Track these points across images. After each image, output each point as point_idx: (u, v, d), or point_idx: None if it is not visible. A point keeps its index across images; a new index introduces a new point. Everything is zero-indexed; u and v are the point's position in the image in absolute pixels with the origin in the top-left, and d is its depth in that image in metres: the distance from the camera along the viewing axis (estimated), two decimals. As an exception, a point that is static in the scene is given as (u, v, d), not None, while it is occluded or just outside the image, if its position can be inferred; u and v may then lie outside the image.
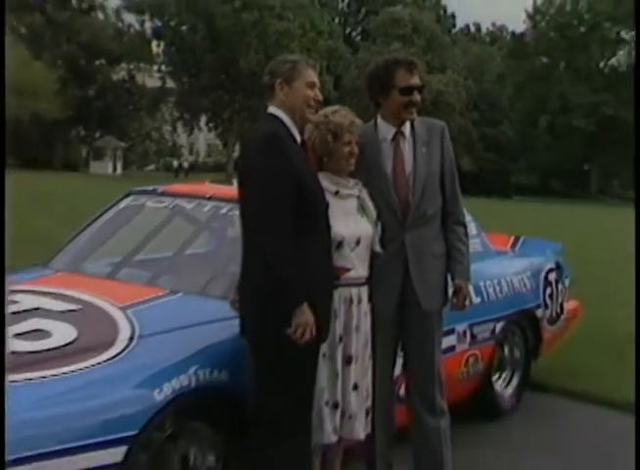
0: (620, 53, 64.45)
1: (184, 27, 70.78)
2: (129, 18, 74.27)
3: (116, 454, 3.64)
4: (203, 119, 74.27)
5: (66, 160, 68.70)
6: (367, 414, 4.45)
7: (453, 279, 4.67)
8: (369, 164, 4.51)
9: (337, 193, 4.31)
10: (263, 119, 4.22)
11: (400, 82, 4.51)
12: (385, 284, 4.51)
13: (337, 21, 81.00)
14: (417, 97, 4.55)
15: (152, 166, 74.98)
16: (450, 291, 4.70)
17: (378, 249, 4.44)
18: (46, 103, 58.77)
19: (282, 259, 3.82)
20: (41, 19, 68.40)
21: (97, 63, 72.11)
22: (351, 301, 4.30)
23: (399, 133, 4.60)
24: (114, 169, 68.39)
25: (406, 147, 4.60)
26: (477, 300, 5.49)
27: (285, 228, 3.83)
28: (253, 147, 4.04)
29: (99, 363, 3.90)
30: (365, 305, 4.39)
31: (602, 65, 63.96)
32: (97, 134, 74.20)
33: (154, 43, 74.14)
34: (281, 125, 4.06)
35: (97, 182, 34.61)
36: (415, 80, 4.55)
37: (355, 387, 4.35)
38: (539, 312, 6.57)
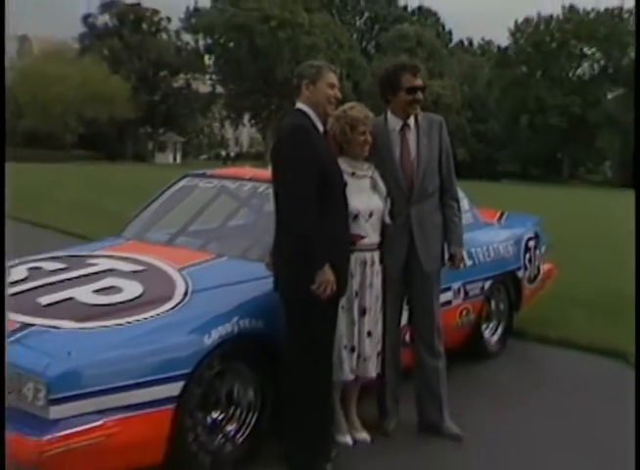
0: (585, 65, 65.48)
1: (230, 44, 71.03)
2: (187, 37, 75.11)
3: (175, 389, 3.68)
4: (246, 117, 74.55)
5: (136, 152, 69.24)
6: (378, 357, 4.45)
7: (449, 246, 4.68)
8: (381, 150, 4.50)
9: (353, 174, 4.31)
10: (292, 114, 4.17)
11: (406, 83, 4.51)
12: (393, 249, 4.51)
13: (355, 36, 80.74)
14: (420, 96, 4.54)
15: (204, 156, 75.24)
16: (446, 256, 4.70)
17: (387, 220, 4.45)
18: (121, 107, 59.78)
19: (308, 229, 3.81)
20: (119, 42, 69.64)
21: (161, 74, 72.85)
22: (365, 263, 4.31)
23: (405, 125, 4.60)
24: (175, 159, 68.85)
25: (411, 137, 4.60)
26: (469, 263, 5.46)
27: (311, 204, 3.83)
28: (285, 137, 4.03)
29: (160, 314, 3.92)
30: (377, 267, 4.39)
31: (570, 74, 64.68)
32: (161, 131, 74.76)
33: (206, 57, 74.70)
34: (307, 119, 4.05)
35: (160, 170, 34.57)
36: (418, 82, 4.53)
37: (369, 334, 4.36)
38: (520, 273, 6.54)
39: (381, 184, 4.46)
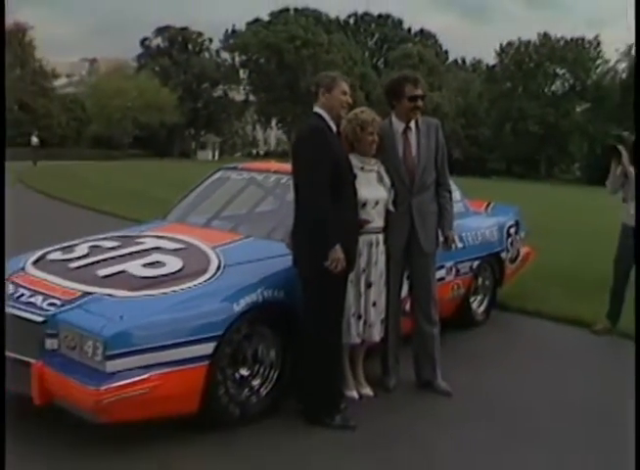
0: (557, 83, 66.10)
1: (262, 60, 71.30)
2: (225, 55, 75.76)
3: (208, 348, 3.67)
4: (274, 122, 74.83)
5: (181, 151, 69.60)
6: (382, 323, 4.44)
7: (443, 230, 4.65)
8: (387, 149, 4.46)
9: (362, 168, 4.28)
10: (310, 116, 4.11)
11: (408, 92, 4.47)
12: (396, 232, 4.49)
13: (367, 54, 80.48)
14: (420, 103, 4.50)
15: (238, 154, 75.18)
16: (441, 238, 4.67)
17: (391, 208, 4.44)
18: (169, 114, 60.42)
19: (323, 214, 3.80)
20: (169, 60, 70.65)
21: (203, 86, 73.42)
22: (372, 244, 4.29)
23: (408, 128, 4.55)
24: (213, 156, 68.86)
25: (412, 137, 4.56)
26: (460, 245, 5.36)
27: (325, 193, 3.81)
28: (304, 136, 4.00)
29: (197, 285, 3.91)
30: (381, 247, 4.37)
31: (546, 89, 65.19)
32: (202, 133, 75.16)
33: (241, 71, 75.05)
34: (322, 121, 4.00)
35: (201, 165, 34.59)
36: (419, 91, 4.49)
37: (374, 304, 4.35)
38: (503, 254, 6.47)
39: (386, 177, 4.43)
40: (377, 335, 4.42)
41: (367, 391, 4.54)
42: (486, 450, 3.86)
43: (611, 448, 3.89)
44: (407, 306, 4.82)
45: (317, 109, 4.06)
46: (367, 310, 4.33)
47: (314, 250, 3.84)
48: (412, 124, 4.57)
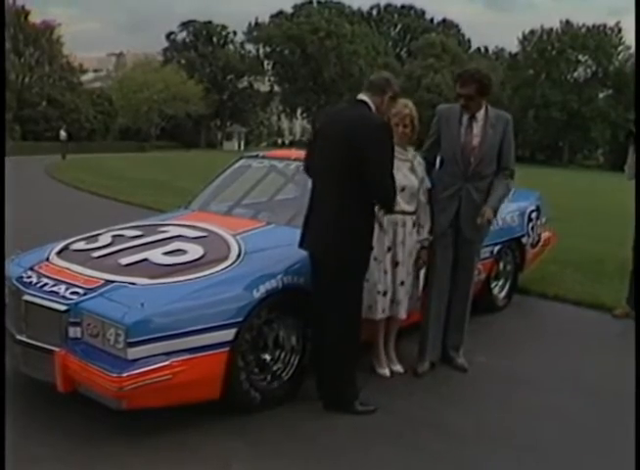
0: (579, 69, 65.73)
1: (286, 51, 71.42)
2: (249, 47, 76.19)
3: (229, 334, 3.64)
4: (298, 111, 75.08)
5: (208, 141, 70.10)
6: (410, 301, 4.52)
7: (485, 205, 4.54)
8: (450, 133, 4.54)
9: (395, 156, 4.09)
10: (357, 104, 3.90)
11: (457, 89, 4.48)
12: (441, 215, 4.57)
13: (390, 44, 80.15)
14: (462, 101, 4.47)
15: (264, 144, 75.34)
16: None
17: (422, 198, 4.52)
18: (195, 105, 60.88)
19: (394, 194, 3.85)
20: (194, 53, 71.39)
21: (228, 77, 73.81)
22: (397, 223, 4.35)
23: (472, 118, 4.50)
24: (239, 146, 68.99)
25: (477, 127, 4.51)
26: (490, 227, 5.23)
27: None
28: (385, 127, 3.80)
29: (217, 272, 3.88)
30: (409, 228, 4.43)
31: (568, 76, 64.78)
32: (228, 123, 75.49)
33: (265, 62, 75.32)
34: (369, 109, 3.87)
35: (227, 155, 34.70)
36: (459, 90, 4.47)
37: (402, 283, 4.42)
38: (524, 239, 6.38)
39: (419, 169, 4.49)
40: (403, 312, 4.47)
41: (398, 367, 4.63)
42: (505, 432, 3.83)
43: (622, 429, 3.83)
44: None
45: (369, 100, 3.87)
46: (395, 288, 4.40)
47: (362, 232, 3.84)
48: (479, 115, 4.52)
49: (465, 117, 4.52)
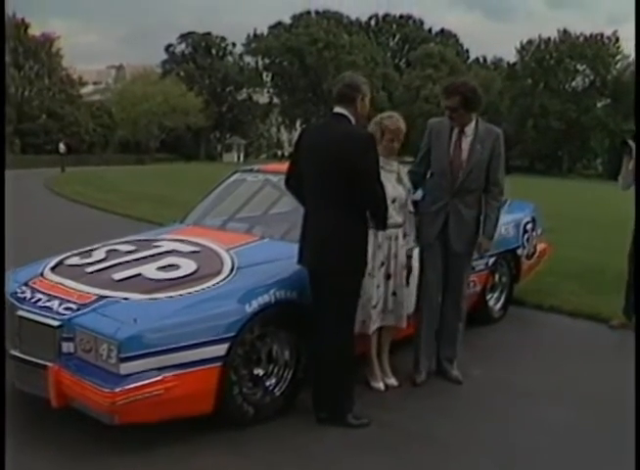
0: (577, 79, 66.01)
1: (284, 63, 71.61)
2: (248, 59, 76.34)
3: (222, 349, 3.65)
4: (298, 123, 74.97)
5: (207, 153, 70.21)
6: (402, 311, 4.53)
7: (481, 236, 4.65)
8: (438, 146, 4.59)
9: (382, 168, 4.13)
10: (338, 118, 3.91)
11: (444, 102, 4.53)
12: (428, 228, 4.63)
13: (388, 54, 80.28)
14: (448, 113, 4.52)
15: (264, 156, 75.44)
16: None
17: (410, 208, 4.56)
18: (195, 117, 61.11)
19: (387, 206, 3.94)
20: (193, 65, 71.51)
21: (227, 89, 74.12)
22: (391, 237, 4.39)
23: (462, 132, 4.53)
24: (239, 159, 69.01)
25: (466, 142, 4.54)
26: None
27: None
28: (370, 144, 3.80)
29: (210, 287, 3.89)
30: (401, 241, 4.47)
31: (567, 86, 64.99)
32: (227, 135, 75.66)
33: (264, 74, 75.53)
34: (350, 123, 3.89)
35: (227, 167, 34.72)
36: (444, 102, 4.53)
37: (394, 293, 4.47)
38: (520, 251, 6.40)
39: (405, 179, 4.52)
40: (393, 319, 4.50)
41: (392, 381, 4.62)
42: (501, 444, 3.83)
43: (621, 442, 3.83)
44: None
45: (345, 112, 3.89)
46: (387, 299, 4.44)
47: (359, 245, 3.87)
48: (468, 129, 4.54)
49: (455, 132, 4.55)
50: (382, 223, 4.02)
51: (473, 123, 4.55)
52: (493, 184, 4.62)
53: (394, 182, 4.42)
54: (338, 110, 3.91)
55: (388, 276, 4.42)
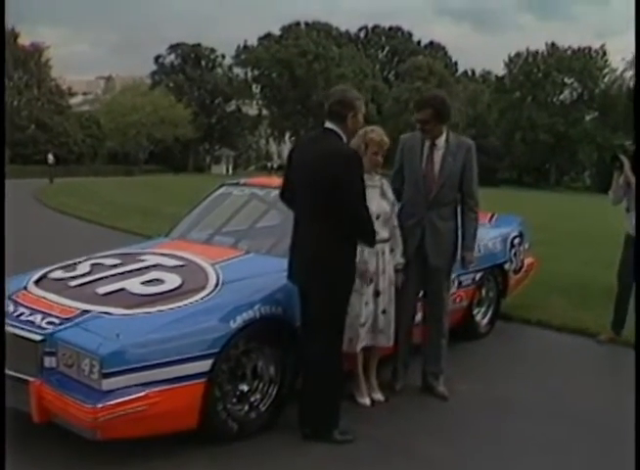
0: (565, 92, 66.68)
1: (274, 74, 71.81)
2: (237, 70, 76.68)
3: (206, 365, 3.62)
4: (287, 135, 75.31)
5: (196, 165, 70.33)
6: (391, 330, 4.50)
7: (462, 250, 4.67)
8: (411, 160, 4.62)
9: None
10: (326, 134, 3.90)
11: (415, 115, 4.59)
12: (409, 238, 4.60)
13: (377, 67, 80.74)
14: (419, 126, 4.57)
15: (252, 167, 75.52)
16: (459, 257, 4.71)
17: (395, 222, 4.54)
18: (183, 129, 61.27)
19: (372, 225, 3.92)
20: (182, 76, 71.74)
21: (217, 101, 74.41)
22: (377, 253, 4.35)
23: (433, 145, 4.56)
24: (228, 170, 69.13)
25: (438, 155, 4.56)
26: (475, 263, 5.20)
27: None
28: (352, 161, 3.76)
29: (194, 302, 3.87)
30: (387, 256, 4.45)
31: (554, 99, 65.52)
32: (216, 147, 75.91)
33: (253, 86, 75.78)
34: (340, 139, 3.88)
35: (215, 179, 34.73)
36: (415, 115, 4.59)
37: (384, 311, 4.43)
38: (507, 266, 6.39)
39: (389, 193, 4.52)
40: (385, 340, 4.48)
41: (379, 396, 4.60)
42: (490, 459, 3.82)
43: (613, 459, 3.83)
44: (417, 317, 4.85)
45: (336, 128, 3.86)
46: (377, 317, 4.39)
47: (345, 262, 3.85)
48: (440, 142, 4.57)
49: (426, 145, 4.57)
50: (369, 242, 4.02)
51: (444, 136, 4.58)
52: (468, 196, 4.64)
53: (378, 197, 4.41)
54: (328, 125, 3.90)
55: (377, 293, 4.38)
